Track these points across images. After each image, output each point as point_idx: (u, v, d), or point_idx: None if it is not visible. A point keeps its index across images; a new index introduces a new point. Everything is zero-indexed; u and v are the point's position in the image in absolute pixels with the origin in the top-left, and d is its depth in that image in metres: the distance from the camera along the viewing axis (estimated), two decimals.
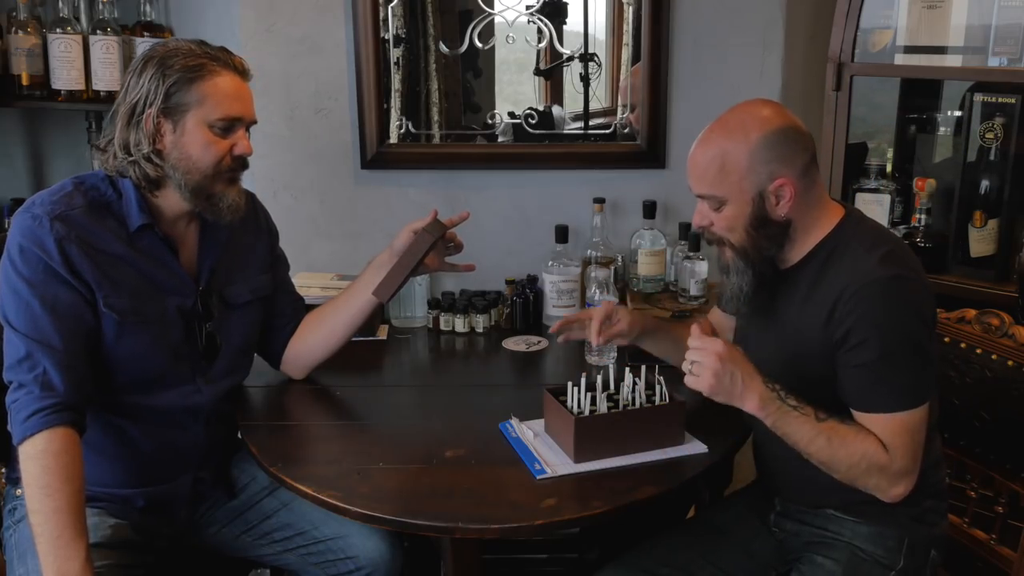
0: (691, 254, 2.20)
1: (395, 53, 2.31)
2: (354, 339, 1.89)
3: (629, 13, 2.31)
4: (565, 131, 2.39)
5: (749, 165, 1.44)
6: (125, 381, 1.57)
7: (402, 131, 2.35)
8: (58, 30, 2.33)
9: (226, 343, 1.69)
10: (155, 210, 1.59)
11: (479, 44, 2.30)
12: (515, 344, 2.16)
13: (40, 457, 1.40)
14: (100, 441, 1.58)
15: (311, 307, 1.90)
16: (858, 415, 1.44)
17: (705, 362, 1.39)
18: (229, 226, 1.66)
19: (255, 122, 1.62)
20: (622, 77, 2.38)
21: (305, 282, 2.19)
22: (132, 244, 1.56)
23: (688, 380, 1.42)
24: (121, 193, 1.57)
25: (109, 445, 1.60)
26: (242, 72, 1.59)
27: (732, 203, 1.46)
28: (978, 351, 1.74)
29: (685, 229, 2.24)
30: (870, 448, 1.41)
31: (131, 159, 1.54)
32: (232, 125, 1.57)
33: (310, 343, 1.85)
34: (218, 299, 1.68)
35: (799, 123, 1.49)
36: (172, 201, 1.59)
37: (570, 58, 2.34)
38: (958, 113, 2.31)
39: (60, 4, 2.36)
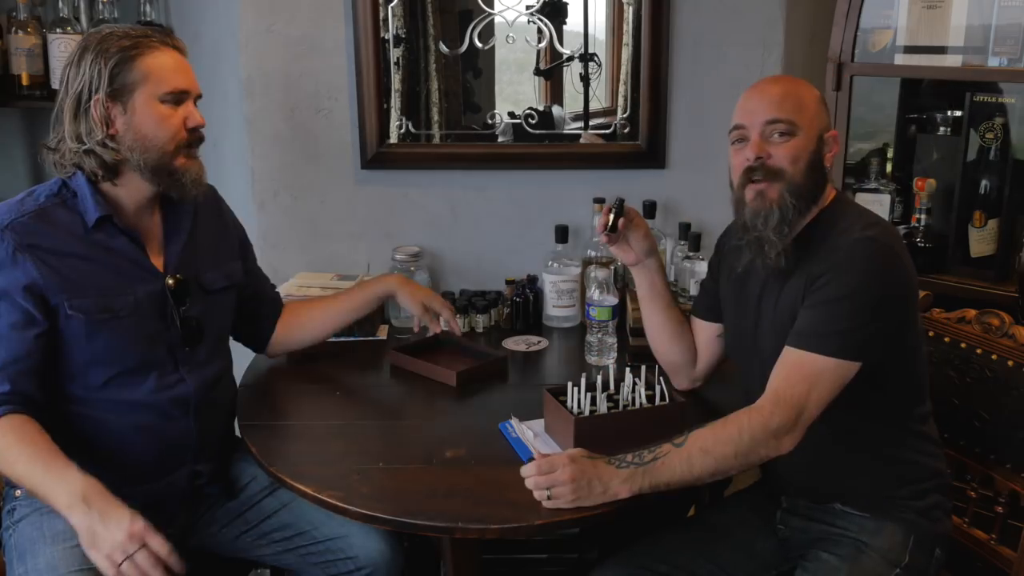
0: (691, 254, 2.20)
1: (395, 53, 2.31)
2: (354, 339, 1.90)
3: (629, 13, 2.30)
4: (565, 131, 2.39)
5: (817, 109, 1.55)
6: (107, 376, 1.57)
7: (402, 131, 2.35)
8: (58, 30, 2.33)
9: (206, 329, 1.69)
10: (114, 203, 1.59)
11: (479, 44, 2.30)
12: (515, 344, 2.16)
13: None
14: (91, 442, 1.57)
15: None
16: (786, 350, 1.46)
17: (558, 480, 1.40)
18: (193, 212, 1.69)
19: (200, 95, 1.63)
20: (621, 81, 2.38)
21: (305, 282, 2.19)
22: (91, 241, 1.56)
23: (549, 505, 1.41)
24: (76, 192, 1.57)
25: (100, 445, 1.59)
26: (179, 48, 1.61)
27: (803, 134, 1.51)
28: (978, 351, 1.74)
29: (685, 229, 2.24)
30: (742, 421, 1.41)
31: (85, 148, 1.53)
32: (180, 98, 1.58)
33: (307, 328, 1.94)
34: (195, 285, 1.68)
35: None
36: (133, 188, 1.59)
37: (570, 58, 2.33)
38: (958, 113, 2.31)
39: (60, 4, 2.36)
